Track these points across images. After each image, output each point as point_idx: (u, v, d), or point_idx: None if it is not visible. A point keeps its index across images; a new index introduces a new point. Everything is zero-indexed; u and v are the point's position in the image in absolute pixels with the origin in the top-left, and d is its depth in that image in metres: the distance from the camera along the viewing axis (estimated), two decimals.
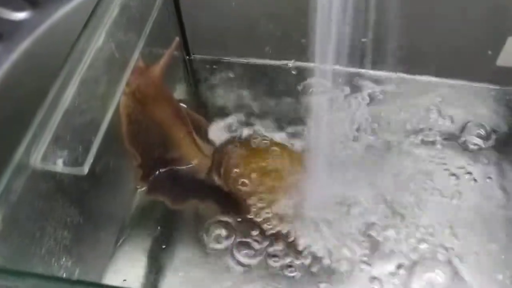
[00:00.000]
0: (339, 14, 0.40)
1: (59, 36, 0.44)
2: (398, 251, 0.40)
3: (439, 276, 0.39)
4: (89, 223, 0.36)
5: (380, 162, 0.46)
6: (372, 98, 0.51)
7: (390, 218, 0.42)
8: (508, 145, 0.47)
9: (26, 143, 0.29)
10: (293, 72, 0.53)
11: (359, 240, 0.41)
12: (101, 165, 0.38)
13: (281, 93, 0.52)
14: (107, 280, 0.39)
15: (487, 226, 0.42)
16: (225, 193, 0.45)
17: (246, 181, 0.45)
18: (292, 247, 0.41)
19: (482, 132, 0.48)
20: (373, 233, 0.42)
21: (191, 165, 0.45)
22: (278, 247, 0.41)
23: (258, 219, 0.43)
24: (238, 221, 0.43)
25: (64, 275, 0.34)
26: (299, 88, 0.52)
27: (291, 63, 0.53)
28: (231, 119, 0.50)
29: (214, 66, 0.54)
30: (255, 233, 0.42)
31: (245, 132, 0.49)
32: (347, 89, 0.51)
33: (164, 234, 0.43)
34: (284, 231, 0.42)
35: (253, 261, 0.41)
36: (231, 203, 0.44)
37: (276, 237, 0.42)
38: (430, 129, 0.48)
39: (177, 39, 0.42)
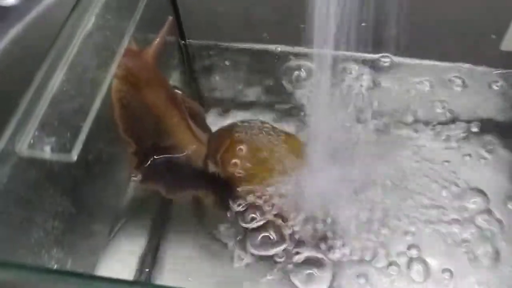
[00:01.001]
0: None
1: (49, 22, 0.43)
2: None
3: None
4: (82, 213, 0.35)
5: (380, 146, 0.44)
6: (374, 83, 0.50)
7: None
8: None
9: (11, 130, 0.28)
10: (291, 58, 0.52)
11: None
12: (93, 152, 0.37)
13: (278, 79, 0.51)
14: (100, 271, 0.38)
15: None
16: (222, 180, 0.44)
17: (243, 167, 0.44)
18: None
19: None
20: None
21: (186, 153, 0.43)
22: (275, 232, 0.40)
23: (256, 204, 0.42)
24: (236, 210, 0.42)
25: (56, 266, 0.33)
26: (297, 73, 0.51)
27: (288, 49, 0.52)
28: (227, 105, 0.49)
29: (210, 52, 0.53)
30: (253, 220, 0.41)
31: (242, 118, 0.48)
32: (346, 74, 0.50)
33: (159, 224, 0.42)
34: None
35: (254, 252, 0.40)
36: (228, 190, 0.43)
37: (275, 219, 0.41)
38: (431, 114, 0.47)
39: (171, 18, 0.40)
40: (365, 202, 0.42)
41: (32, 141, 0.28)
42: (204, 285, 0.39)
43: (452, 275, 0.38)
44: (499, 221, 0.40)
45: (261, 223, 0.41)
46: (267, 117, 0.47)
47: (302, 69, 0.51)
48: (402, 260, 0.38)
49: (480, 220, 0.40)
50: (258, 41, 0.52)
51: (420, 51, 0.49)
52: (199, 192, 0.44)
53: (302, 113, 0.48)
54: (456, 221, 0.40)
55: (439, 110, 0.47)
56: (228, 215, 0.41)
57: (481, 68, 0.50)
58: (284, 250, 0.39)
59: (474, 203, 0.41)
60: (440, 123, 0.46)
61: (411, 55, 0.50)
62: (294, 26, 0.47)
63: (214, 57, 0.52)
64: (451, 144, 0.45)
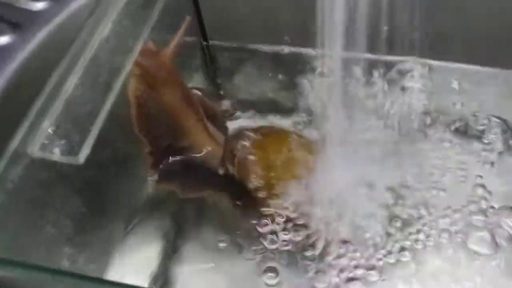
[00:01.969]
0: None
1: (77, 26, 0.44)
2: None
3: None
4: (95, 214, 0.36)
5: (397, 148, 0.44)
6: (402, 86, 0.49)
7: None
8: None
9: (23, 132, 0.29)
10: (312, 60, 0.51)
11: None
12: (108, 152, 0.37)
13: (299, 82, 0.50)
14: (112, 271, 0.39)
15: None
16: (238, 183, 0.44)
17: (259, 171, 0.44)
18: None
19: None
20: None
21: (202, 154, 0.44)
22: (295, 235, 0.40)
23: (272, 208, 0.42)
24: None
25: (67, 264, 0.34)
26: (318, 77, 0.50)
27: (310, 51, 0.51)
28: (248, 107, 0.49)
29: (233, 53, 0.53)
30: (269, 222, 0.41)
31: (262, 121, 0.48)
32: (368, 76, 0.49)
33: (175, 224, 0.42)
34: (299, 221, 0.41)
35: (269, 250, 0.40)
36: (244, 193, 0.43)
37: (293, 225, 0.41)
38: (452, 116, 0.46)
39: (188, 18, 0.40)
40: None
41: (43, 143, 0.29)
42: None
43: None
44: None
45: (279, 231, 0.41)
46: (287, 121, 0.47)
47: (324, 72, 0.51)
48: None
49: None
50: (280, 43, 0.52)
51: (442, 53, 0.48)
52: (215, 193, 0.44)
53: (323, 117, 0.47)
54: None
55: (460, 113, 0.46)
56: (243, 219, 0.42)
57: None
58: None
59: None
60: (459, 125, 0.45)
61: (434, 57, 0.49)
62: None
63: (236, 59, 0.52)
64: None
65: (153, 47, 0.40)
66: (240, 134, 0.46)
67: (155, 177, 0.43)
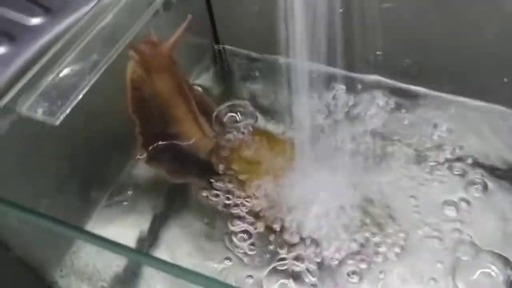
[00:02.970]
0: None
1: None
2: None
3: None
4: (77, 177, 0.41)
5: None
6: (394, 108, 0.51)
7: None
8: None
9: (15, 92, 0.34)
10: (318, 75, 0.54)
11: None
12: (98, 124, 0.42)
13: (301, 93, 0.53)
14: None
15: None
16: (219, 175, 0.48)
17: (242, 168, 0.47)
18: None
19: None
20: None
21: (190, 143, 0.48)
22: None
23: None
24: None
25: None
26: (328, 91, 0.53)
27: (317, 66, 0.54)
28: (246, 110, 0.53)
29: (241, 59, 0.57)
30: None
31: (257, 124, 0.51)
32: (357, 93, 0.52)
33: (160, 203, 0.47)
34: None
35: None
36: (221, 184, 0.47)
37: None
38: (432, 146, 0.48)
39: (190, 16, 0.44)
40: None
41: (31, 103, 0.35)
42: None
43: None
44: None
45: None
46: (280, 126, 0.51)
47: (334, 87, 0.53)
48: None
49: None
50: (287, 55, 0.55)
51: (432, 83, 0.50)
52: (197, 180, 0.49)
53: (322, 127, 0.50)
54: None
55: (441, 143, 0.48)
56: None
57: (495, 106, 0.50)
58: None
59: None
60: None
61: (423, 86, 0.51)
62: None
63: (244, 64, 0.57)
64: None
65: (155, 39, 0.45)
66: (230, 132, 0.51)
67: (144, 157, 0.48)
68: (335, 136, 0.48)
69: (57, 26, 0.43)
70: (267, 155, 0.48)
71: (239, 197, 0.46)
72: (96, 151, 0.43)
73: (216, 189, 0.47)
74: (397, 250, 0.41)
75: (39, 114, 0.34)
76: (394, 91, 0.52)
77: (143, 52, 0.43)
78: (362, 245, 0.41)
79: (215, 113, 0.52)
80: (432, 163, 0.46)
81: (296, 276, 0.40)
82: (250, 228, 0.44)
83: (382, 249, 0.41)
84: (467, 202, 0.44)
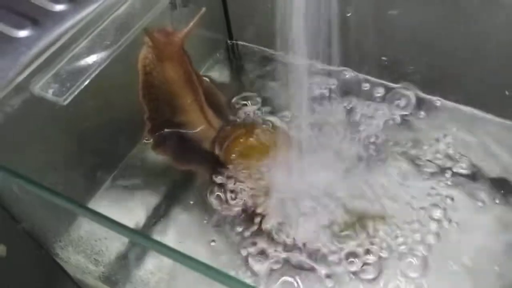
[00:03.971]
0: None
1: None
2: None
3: None
4: (83, 154, 0.44)
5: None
6: (394, 112, 0.52)
7: None
8: None
9: (29, 71, 0.37)
10: (323, 74, 0.56)
11: None
12: (109, 109, 0.45)
13: (305, 91, 0.55)
14: None
15: None
16: (220, 163, 0.50)
17: (241, 159, 0.49)
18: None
19: None
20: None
21: (196, 132, 0.50)
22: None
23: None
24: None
25: None
26: (336, 91, 0.55)
27: (322, 66, 0.56)
28: (254, 104, 0.55)
29: (254, 55, 0.59)
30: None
31: (263, 117, 0.53)
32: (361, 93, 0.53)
33: (157, 186, 0.49)
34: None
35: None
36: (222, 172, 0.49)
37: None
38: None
39: (204, 9, 0.45)
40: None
41: (43, 83, 0.37)
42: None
43: None
44: None
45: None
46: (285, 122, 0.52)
47: (340, 87, 0.55)
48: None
49: None
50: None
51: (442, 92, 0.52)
52: (199, 167, 0.51)
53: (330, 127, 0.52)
54: None
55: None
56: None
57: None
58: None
59: None
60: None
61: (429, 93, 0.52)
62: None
63: (255, 60, 0.58)
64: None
65: (169, 28, 0.46)
66: (237, 125, 0.53)
67: (151, 142, 0.50)
68: (332, 138, 0.50)
69: (79, 13, 0.45)
70: (267, 147, 0.50)
71: (238, 185, 0.48)
72: (105, 133, 0.45)
73: (218, 177, 0.49)
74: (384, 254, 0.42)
75: (49, 94, 0.37)
76: (397, 96, 0.53)
77: (157, 39, 0.45)
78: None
79: (223, 105, 0.53)
80: (431, 170, 0.47)
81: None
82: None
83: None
84: (468, 211, 0.44)
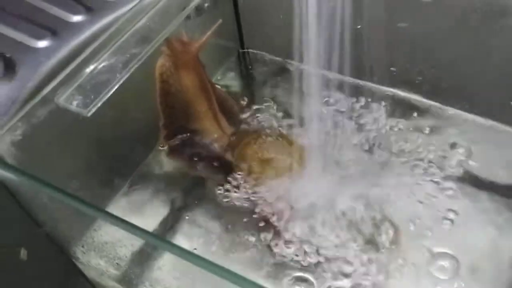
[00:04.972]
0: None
1: None
2: None
3: None
4: (102, 162, 0.45)
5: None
6: (402, 121, 0.54)
7: None
8: None
9: (54, 84, 0.38)
10: (336, 85, 0.57)
11: None
12: (126, 118, 0.46)
13: (316, 100, 0.56)
14: None
15: None
16: (233, 170, 0.51)
17: (253, 166, 0.51)
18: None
19: None
20: None
21: (210, 139, 0.51)
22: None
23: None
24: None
25: None
26: (342, 100, 0.56)
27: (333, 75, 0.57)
28: (265, 112, 0.56)
29: (265, 63, 0.60)
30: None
31: (274, 125, 0.55)
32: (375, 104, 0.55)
33: (173, 194, 0.50)
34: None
35: None
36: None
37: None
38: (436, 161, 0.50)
39: (220, 21, 0.47)
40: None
41: (68, 95, 0.39)
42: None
43: None
44: None
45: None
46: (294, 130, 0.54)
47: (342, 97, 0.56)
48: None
49: None
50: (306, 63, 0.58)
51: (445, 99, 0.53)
52: (213, 174, 0.52)
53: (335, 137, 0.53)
54: None
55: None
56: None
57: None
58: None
59: None
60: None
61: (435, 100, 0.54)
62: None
63: (267, 68, 0.60)
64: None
65: (186, 38, 0.48)
66: (248, 132, 0.54)
67: (165, 149, 0.52)
68: (343, 145, 0.51)
69: (96, 24, 0.47)
70: (279, 156, 0.52)
71: (250, 192, 0.49)
72: (122, 141, 0.47)
73: (230, 185, 0.50)
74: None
75: (73, 106, 0.38)
76: (405, 105, 0.54)
77: (174, 48, 0.46)
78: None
79: (236, 112, 0.55)
80: (436, 178, 0.49)
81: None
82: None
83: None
84: (473, 219, 0.46)
